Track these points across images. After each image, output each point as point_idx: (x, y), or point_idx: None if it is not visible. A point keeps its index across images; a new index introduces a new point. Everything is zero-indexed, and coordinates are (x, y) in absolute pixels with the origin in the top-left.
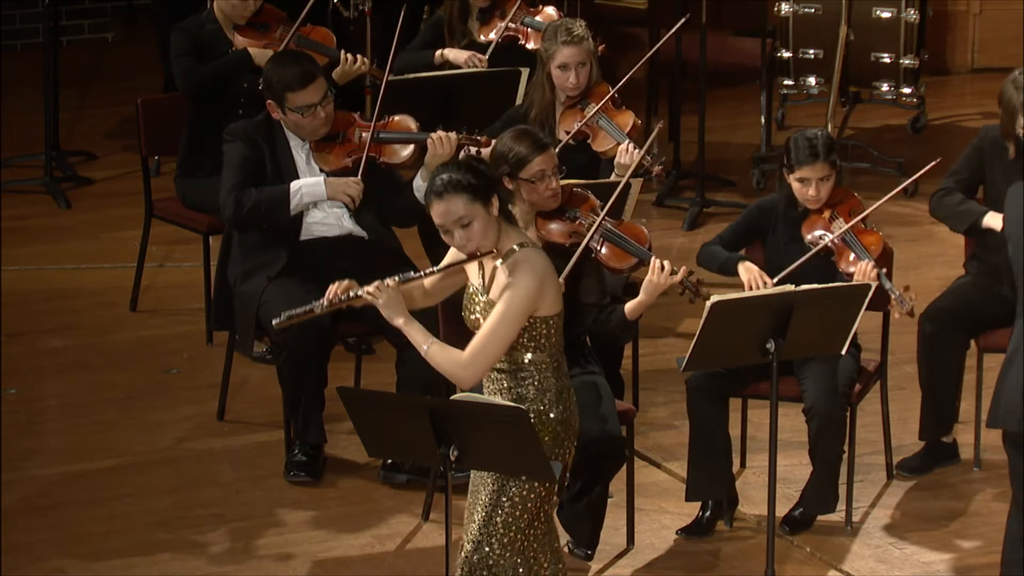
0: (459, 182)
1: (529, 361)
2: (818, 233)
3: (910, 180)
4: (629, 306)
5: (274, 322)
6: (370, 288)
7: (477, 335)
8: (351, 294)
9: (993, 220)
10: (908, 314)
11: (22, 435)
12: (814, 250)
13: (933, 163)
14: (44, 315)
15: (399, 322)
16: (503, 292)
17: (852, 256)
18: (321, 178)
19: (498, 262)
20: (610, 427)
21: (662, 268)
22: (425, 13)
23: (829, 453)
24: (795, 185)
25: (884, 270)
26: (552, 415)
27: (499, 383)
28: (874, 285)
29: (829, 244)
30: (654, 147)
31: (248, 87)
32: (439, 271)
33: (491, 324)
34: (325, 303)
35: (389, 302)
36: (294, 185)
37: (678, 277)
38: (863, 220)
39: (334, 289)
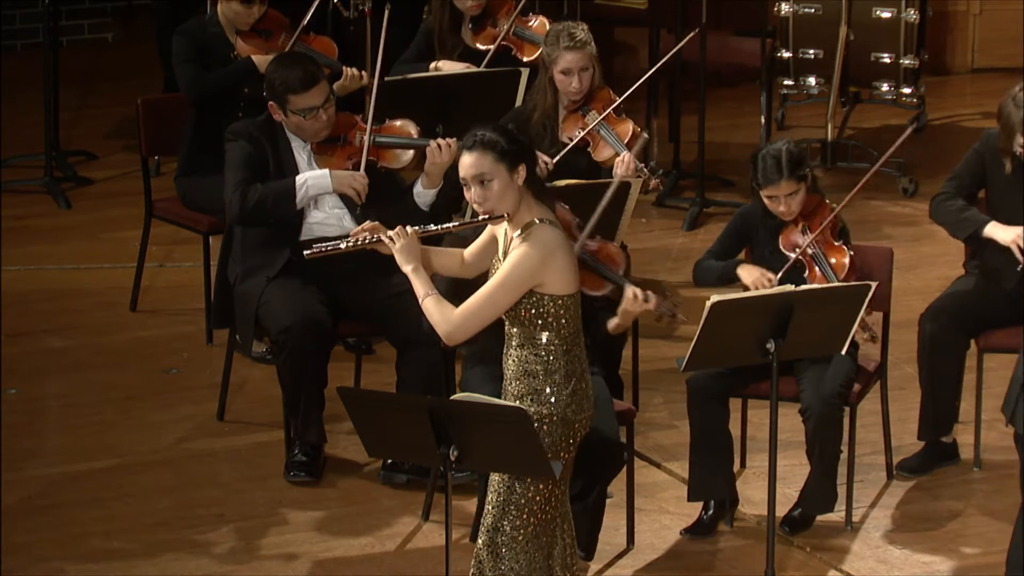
0: (490, 140)
1: (545, 341)
2: (791, 246)
3: (881, 160)
4: (610, 325)
5: (306, 253)
6: (392, 232)
7: (473, 296)
8: (375, 236)
9: (994, 230)
10: (870, 340)
11: (22, 435)
12: (786, 266)
13: (907, 131)
14: (44, 315)
15: (408, 268)
16: (507, 259)
17: (818, 272)
18: (327, 171)
19: (516, 233)
20: (608, 432)
21: (635, 297)
22: (425, 13)
23: (826, 453)
24: (765, 201)
25: None
26: (555, 401)
27: (517, 360)
28: (874, 285)
29: (801, 258)
30: (652, 159)
31: (249, 91)
32: (454, 227)
33: (487, 288)
34: (352, 242)
35: (406, 247)
36: (299, 178)
37: (651, 305)
38: (832, 232)
39: (361, 228)
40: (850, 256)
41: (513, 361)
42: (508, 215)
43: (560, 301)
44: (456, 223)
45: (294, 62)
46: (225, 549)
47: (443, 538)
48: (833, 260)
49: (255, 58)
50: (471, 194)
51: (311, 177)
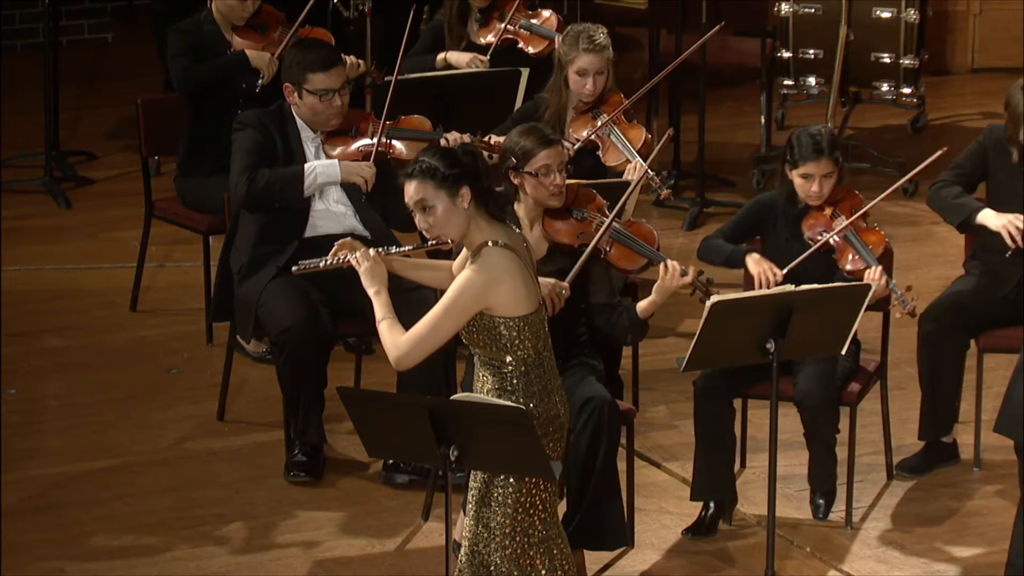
0: (428, 167)
1: (505, 362)
2: (819, 230)
3: (913, 173)
4: (641, 306)
5: (293, 269)
6: (358, 254)
7: (419, 323)
8: (345, 257)
9: (985, 216)
10: (909, 314)
11: (22, 435)
12: (815, 247)
13: (938, 152)
14: (44, 315)
15: (372, 291)
16: (452, 284)
17: (853, 255)
18: (336, 160)
19: (469, 256)
20: (597, 390)
21: (672, 270)
22: (425, 13)
23: (824, 435)
24: (797, 181)
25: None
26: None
27: (481, 379)
28: (875, 287)
29: (831, 242)
30: (661, 168)
31: (247, 88)
32: (412, 250)
33: (432, 314)
34: (330, 260)
35: (370, 270)
36: (308, 166)
37: (688, 279)
38: (864, 218)
39: (339, 244)
40: (885, 238)
41: (479, 380)
42: (453, 241)
43: (512, 323)
44: (412, 247)
45: (315, 44)
46: (225, 549)
47: (443, 538)
48: (870, 242)
49: (248, 53)
50: (417, 220)
51: (320, 165)
